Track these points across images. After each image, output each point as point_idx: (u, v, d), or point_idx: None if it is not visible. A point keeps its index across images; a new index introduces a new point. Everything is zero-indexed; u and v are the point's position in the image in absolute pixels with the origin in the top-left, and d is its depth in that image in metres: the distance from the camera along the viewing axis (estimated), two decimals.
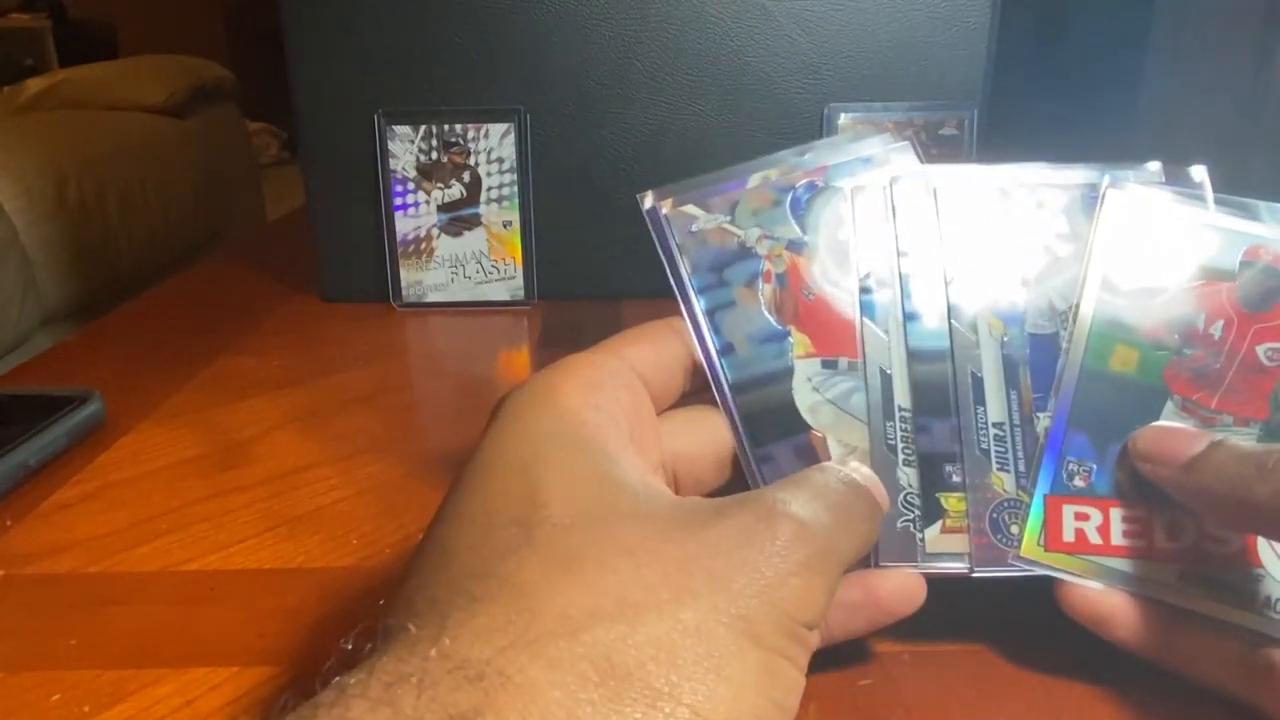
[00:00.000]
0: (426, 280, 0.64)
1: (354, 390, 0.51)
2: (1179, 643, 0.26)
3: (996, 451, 0.28)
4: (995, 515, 0.27)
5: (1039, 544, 0.27)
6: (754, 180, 0.30)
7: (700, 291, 0.29)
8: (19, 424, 0.42)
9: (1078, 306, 0.28)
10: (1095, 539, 0.27)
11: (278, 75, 0.61)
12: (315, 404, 0.49)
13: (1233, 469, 0.24)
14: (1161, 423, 0.27)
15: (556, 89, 0.62)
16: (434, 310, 0.64)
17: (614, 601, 0.20)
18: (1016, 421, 0.28)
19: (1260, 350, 0.28)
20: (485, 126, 0.62)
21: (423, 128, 0.62)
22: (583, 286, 0.64)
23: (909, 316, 0.29)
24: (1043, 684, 0.28)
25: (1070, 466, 0.27)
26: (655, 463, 0.26)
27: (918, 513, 0.28)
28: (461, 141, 0.63)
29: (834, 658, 0.28)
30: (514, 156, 0.63)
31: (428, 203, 0.63)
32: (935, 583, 0.27)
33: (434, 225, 0.64)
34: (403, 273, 0.64)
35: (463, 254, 0.64)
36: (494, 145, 0.63)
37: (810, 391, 0.28)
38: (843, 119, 0.62)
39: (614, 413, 0.25)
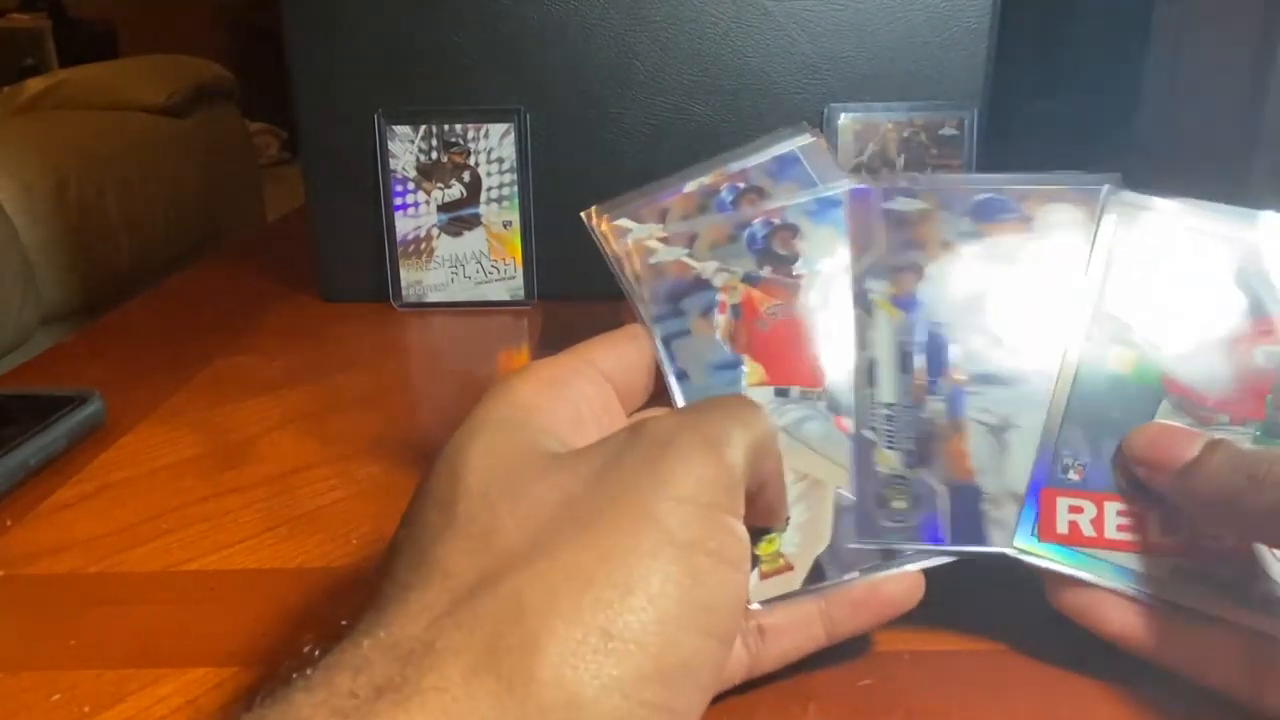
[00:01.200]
0: (426, 280, 0.64)
1: (354, 390, 0.51)
2: (1176, 641, 0.26)
3: (886, 431, 0.28)
4: (879, 490, 0.28)
5: (1032, 534, 0.27)
6: (690, 186, 0.32)
7: (656, 320, 0.30)
8: (19, 424, 0.42)
9: (1076, 308, 0.29)
10: (1089, 531, 0.27)
11: (278, 75, 0.61)
12: (315, 404, 0.49)
13: (1226, 478, 0.24)
14: (1157, 421, 0.27)
15: (556, 89, 0.62)
16: (434, 310, 0.64)
17: (524, 552, 0.20)
18: (907, 403, 0.29)
19: (1257, 352, 0.28)
20: (485, 126, 0.62)
21: (423, 128, 0.62)
22: (583, 286, 0.64)
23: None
24: (1043, 684, 0.28)
25: (1065, 460, 0.28)
26: None
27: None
28: (461, 141, 0.63)
29: (834, 658, 0.28)
30: (514, 156, 0.63)
31: (428, 203, 0.63)
32: (936, 584, 0.27)
33: (434, 225, 0.64)
34: (403, 273, 0.64)
35: (463, 254, 0.64)
36: (494, 145, 0.63)
37: None
38: (843, 119, 0.62)
39: (575, 403, 0.26)
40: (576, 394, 0.26)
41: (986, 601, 0.30)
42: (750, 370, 0.29)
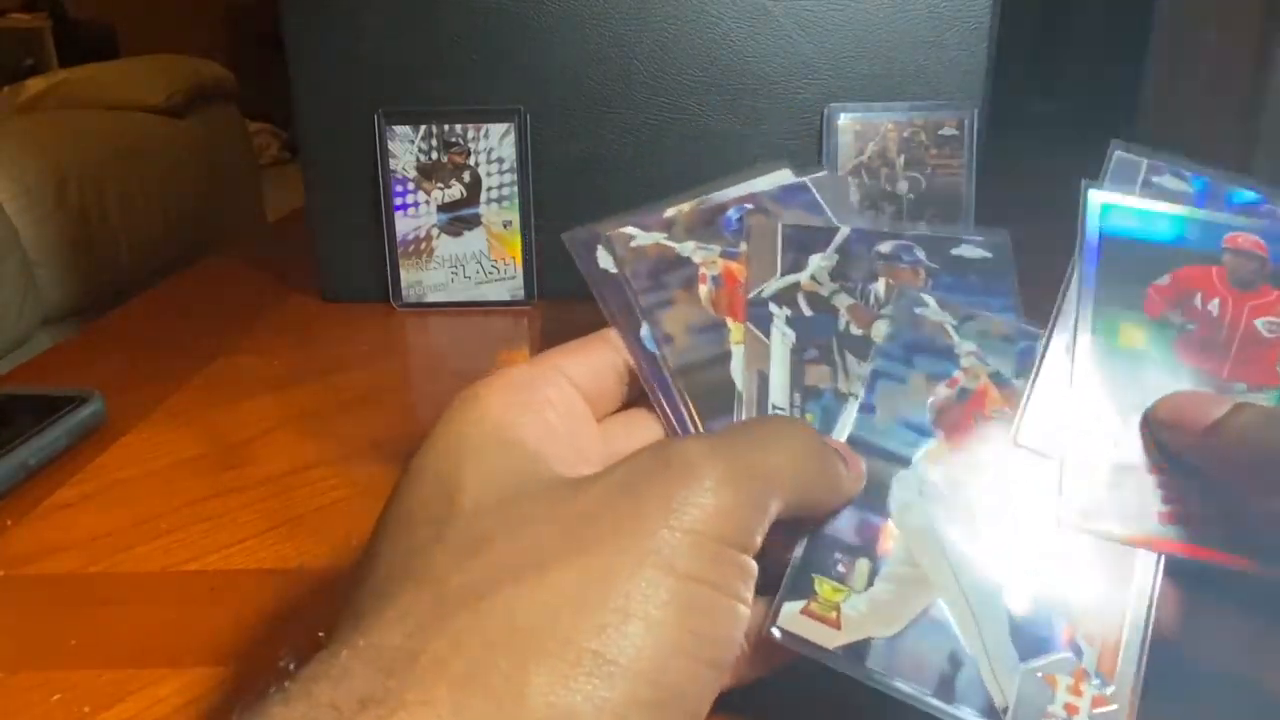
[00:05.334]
0: (426, 280, 0.64)
1: (354, 390, 0.51)
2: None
3: None
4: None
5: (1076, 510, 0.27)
6: (669, 213, 0.33)
7: (641, 293, 0.31)
8: (19, 424, 0.42)
9: (1075, 296, 0.30)
10: None
11: (278, 75, 0.61)
12: (315, 404, 0.49)
13: (1255, 432, 0.24)
14: (1182, 389, 0.28)
15: (556, 89, 0.62)
16: (434, 310, 0.64)
17: (518, 567, 0.20)
18: None
19: (1259, 324, 0.29)
20: (485, 126, 0.62)
21: (423, 128, 0.62)
22: (583, 286, 0.64)
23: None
24: None
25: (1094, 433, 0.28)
26: (596, 463, 0.26)
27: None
28: (461, 141, 0.63)
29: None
30: (514, 156, 0.63)
31: (428, 203, 0.63)
32: None
33: (434, 225, 0.64)
34: (403, 273, 0.64)
35: (463, 254, 0.64)
36: (494, 145, 0.63)
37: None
38: (843, 119, 0.62)
39: (542, 413, 0.25)
40: (540, 401, 0.26)
41: None
42: (937, 448, 0.28)
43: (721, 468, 0.22)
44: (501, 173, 0.63)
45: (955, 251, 0.32)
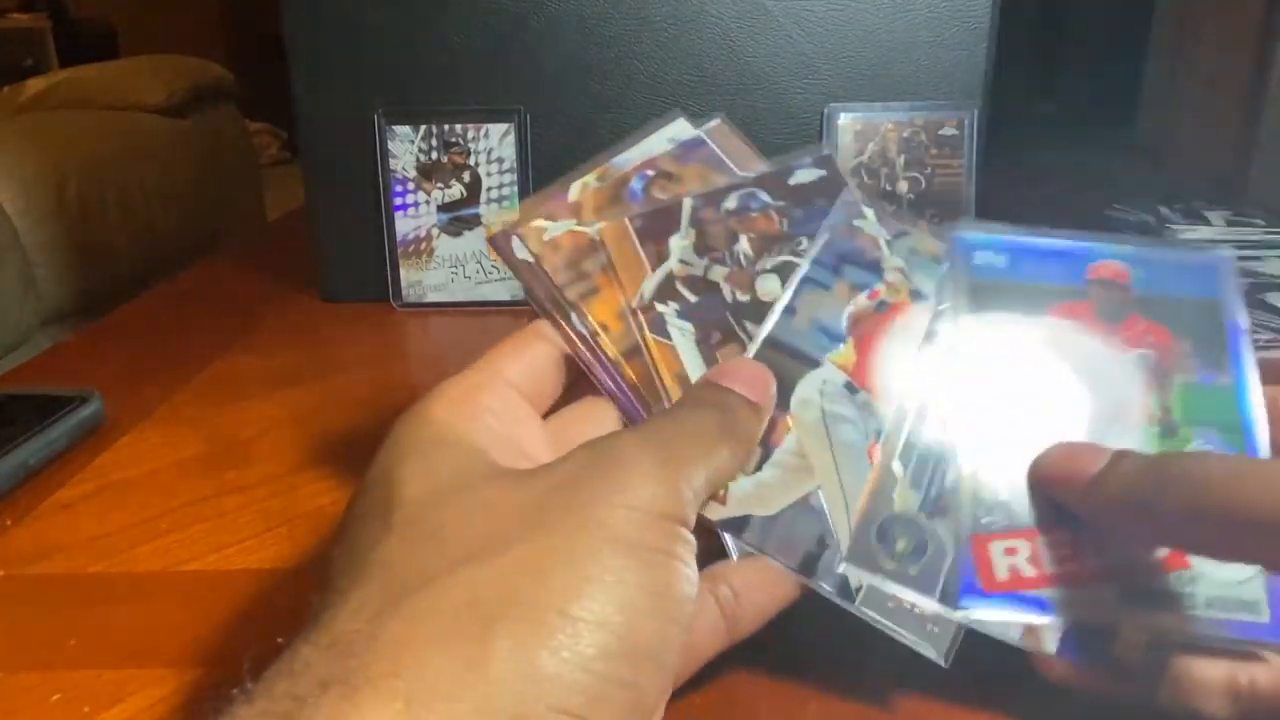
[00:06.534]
0: (426, 280, 0.64)
1: (354, 390, 0.51)
2: (1166, 679, 0.26)
3: (914, 470, 0.28)
4: (885, 527, 0.27)
5: (977, 589, 0.26)
6: (574, 190, 0.32)
7: (565, 286, 0.31)
8: (19, 424, 0.42)
9: (950, 348, 0.30)
10: (1029, 571, 0.26)
11: (278, 75, 0.61)
12: (315, 404, 0.49)
13: (1134, 483, 0.24)
14: (1061, 441, 0.27)
15: (556, 89, 0.62)
16: (434, 310, 0.64)
17: (474, 548, 0.21)
18: (941, 453, 0.28)
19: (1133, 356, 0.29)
20: (485, 126, 0.62)
21: (423, 128, 0.62)
22: None
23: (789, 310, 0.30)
24: (1044, 689, 0.27)
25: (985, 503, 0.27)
26: (543, 459, 0.27)
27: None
28: (461, 141, 0.63)
29: (833, 658, 0.28)
30: (514, 156, 0.63)
31: (428, 203, 0.63)
32: None
33: (434, 225, 0.64)
34: (403, 273, 0.64)
35: (463, 254, 0.64)
36: (494, 145, 0.63)
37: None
38: (843, 119, 0.62)
39: (484, 420, 0.26)
40: (481, 409, 0.26)
41: None
42: (845, 352, 0.29)
43: (651, 459, 0.23)
44: (501, 173, 0.63)
45: (792, 181, 0.32)
